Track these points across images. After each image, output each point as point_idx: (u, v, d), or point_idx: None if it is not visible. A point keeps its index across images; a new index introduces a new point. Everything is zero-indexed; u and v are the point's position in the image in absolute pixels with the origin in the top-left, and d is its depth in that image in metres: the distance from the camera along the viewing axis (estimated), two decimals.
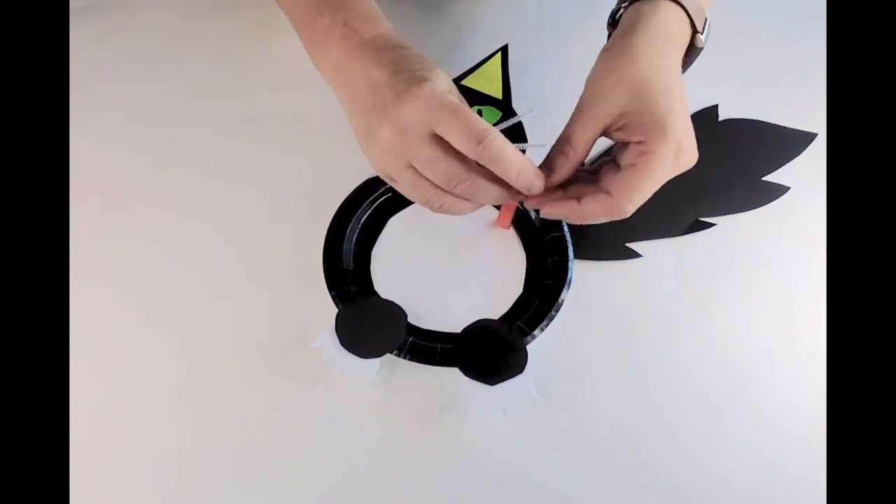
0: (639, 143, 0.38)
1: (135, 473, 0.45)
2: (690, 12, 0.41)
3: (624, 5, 0.43)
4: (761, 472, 0.45)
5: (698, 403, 0.47)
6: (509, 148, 0.37)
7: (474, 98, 0.56)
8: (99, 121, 0.57)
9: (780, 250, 0.52)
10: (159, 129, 0.57)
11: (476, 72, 0.58)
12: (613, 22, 0.44)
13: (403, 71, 0.38)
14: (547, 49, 0.60)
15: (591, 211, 0.40)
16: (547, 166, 0.41)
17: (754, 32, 0.62)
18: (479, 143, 0.36)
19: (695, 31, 0.42)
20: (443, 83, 0.38)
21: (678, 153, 0.38)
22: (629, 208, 0.39)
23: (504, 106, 0.56)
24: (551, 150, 0.41)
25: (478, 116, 0.37)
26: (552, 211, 0.41)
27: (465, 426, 0.46)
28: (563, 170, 0.40)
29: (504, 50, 0.59)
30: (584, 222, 0.41)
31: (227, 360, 0.48)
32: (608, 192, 0.39)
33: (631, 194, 0.39)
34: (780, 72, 0.60)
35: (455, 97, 0.39)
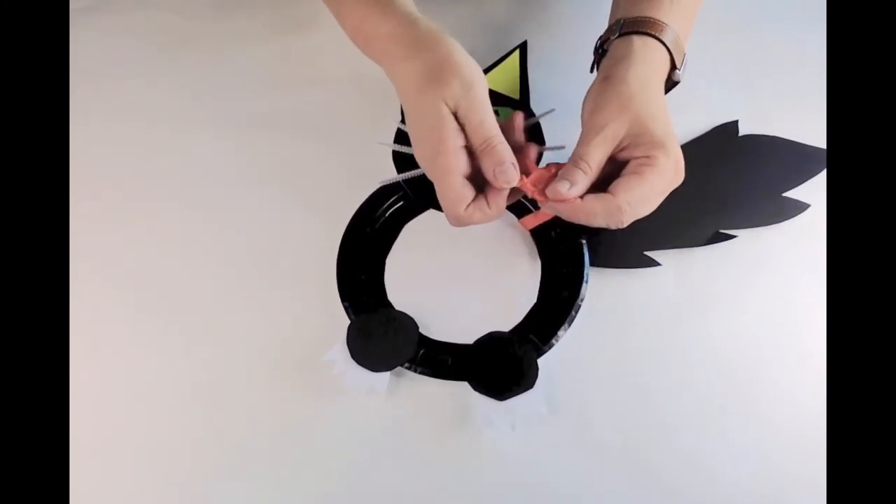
0: (642, 157, 0.42)
1: (140, 481, 0.45)
2: (671, 50, 0.46)
3: (613, 38, 0.46)
4: (762, 472, 0.45)
5: (709, 416, 0.46)
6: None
7: (491, 98, 0.53)
8: (99, 121, 0.57)
9: (780, 250, 0.52)
10: (159, 129, 0.57)
11: (494, 70, 0.55)
12: (601, 51, 0.48)
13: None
14: (567, 48, 0.58)
15: (591, 208, 0.41)
16: (565, 179, 0.42)
17: (779, 51, 0.60)
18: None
19: (673, 67, 0.47)
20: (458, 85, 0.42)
21: (676, 169, 0.43)
22: (626, 211, 0.41)
23: (522, 106, 0.54)
24: (567, 166, 0.42)
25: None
26: (553, 204, 0.42)
27: (473, 441, 0.46)
28: (581, 183, 0.42)
29: (523, 47, 0.57)
30: (581, 221, 0.42)
31: (238, 370, 0.48)
32: (611, 193, 0.41)
33: (631, 196, 0.41)
34: (802, 89, 0.58)
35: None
